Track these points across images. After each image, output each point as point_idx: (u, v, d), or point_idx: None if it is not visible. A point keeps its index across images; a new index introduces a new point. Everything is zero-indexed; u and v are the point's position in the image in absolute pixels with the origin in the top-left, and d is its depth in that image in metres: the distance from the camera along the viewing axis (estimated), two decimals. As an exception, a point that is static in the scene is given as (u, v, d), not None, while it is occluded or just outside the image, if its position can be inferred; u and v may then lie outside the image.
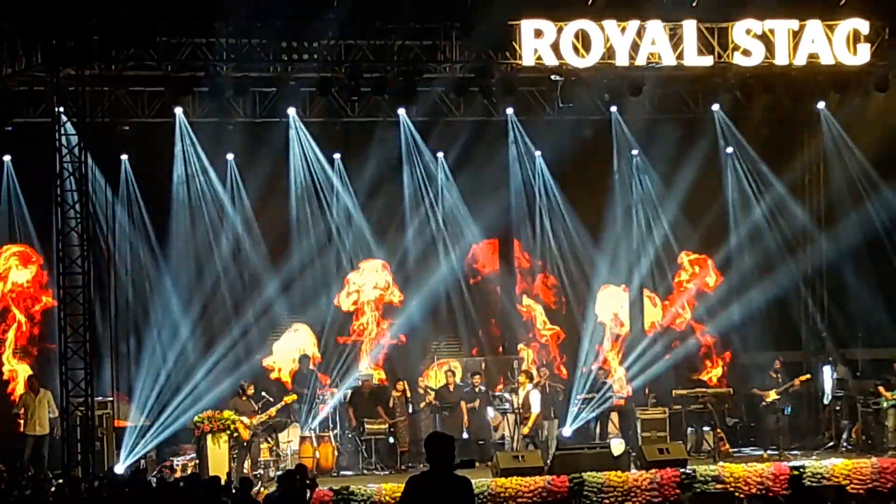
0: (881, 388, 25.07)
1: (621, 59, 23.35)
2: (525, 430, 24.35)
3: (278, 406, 23.81)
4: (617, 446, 23.15)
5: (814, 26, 23.78)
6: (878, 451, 24.36)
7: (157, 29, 21.99)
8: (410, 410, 24.79)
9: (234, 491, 18.46)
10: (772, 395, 25.19)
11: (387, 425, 24.42)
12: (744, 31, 23.66)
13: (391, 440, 24.43)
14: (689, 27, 23.52)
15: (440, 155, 26.85)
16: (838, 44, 23.79)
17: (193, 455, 23.60)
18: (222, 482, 18.68)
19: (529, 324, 27.39)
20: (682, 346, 27.06)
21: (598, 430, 25.25)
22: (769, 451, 24.65)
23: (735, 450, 25.25)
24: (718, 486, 22.42)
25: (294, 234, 26.70)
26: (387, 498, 21.28)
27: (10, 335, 24.98)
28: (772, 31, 23.74)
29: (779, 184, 27.51)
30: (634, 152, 27.34)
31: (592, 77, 24.06)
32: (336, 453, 24.02)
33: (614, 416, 25.57)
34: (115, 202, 25.31)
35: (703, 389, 25.73)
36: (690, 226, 27.56)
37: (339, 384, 25.47)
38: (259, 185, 25.99)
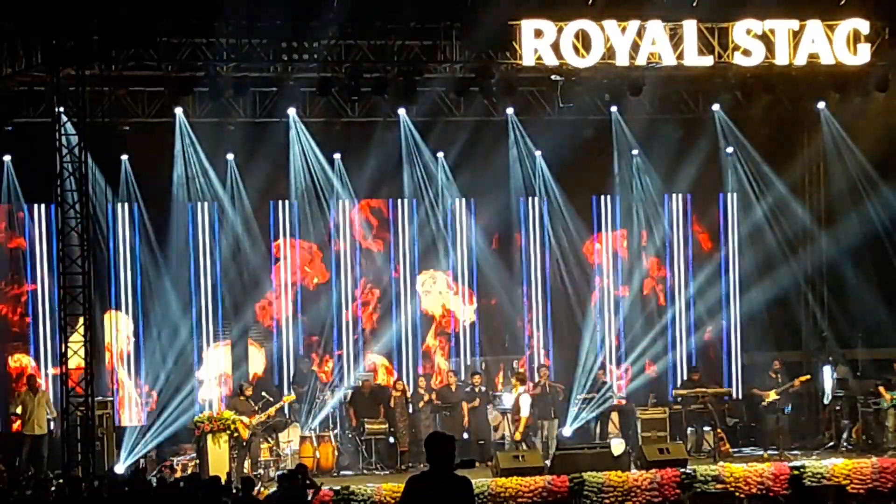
0: (881, 388, 25.06)
1: (621, 59, 23.34)
2: (517, 436, 24.33)
3: (277, 406, 23.82)
4: (617, 446, 23.15)
5: (814, 26, 23.77)
6: (879, 451, 24.35)
7: (157, 29, 21.98)
8: (410, 410, 24.79)
9: (234, 491, 18.47)
10: (772, 396, 25.19)
11: (387, 425, 24.42)
12: (744, 31, 23.65)
13: (391, 440, 24.43)
14: (690, 27, 23.51)
15: (440, 155, 26.84)
16: (838, 44, 23.78)
17: (193, 455, 23.60)
18: (222, 482, 18.66)
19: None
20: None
21: (598, 430, 25.27)
22: (769, 451, 24.64)
23: (735, 450, 25.24)
24: (719, 486, 22.43)
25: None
26: (387, 498, 21.28)
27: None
28: (772, 31, 23.73)
29: (780, 183, 27.50)
30: (634, 152, 27.34)
31: (592, 77, 24.05)
32: (336, 453, 24.01)
33: (614, 416, 25.58)
34: (115, 202, 25.35)
35: (703, 389, 25.73)
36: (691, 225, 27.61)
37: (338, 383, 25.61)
38: (259, 185, 26.01)
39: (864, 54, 23.90)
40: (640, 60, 23.42)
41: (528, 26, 23.08)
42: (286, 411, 24.41)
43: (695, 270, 28.05)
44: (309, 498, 18.32)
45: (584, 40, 23.15)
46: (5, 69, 22.52)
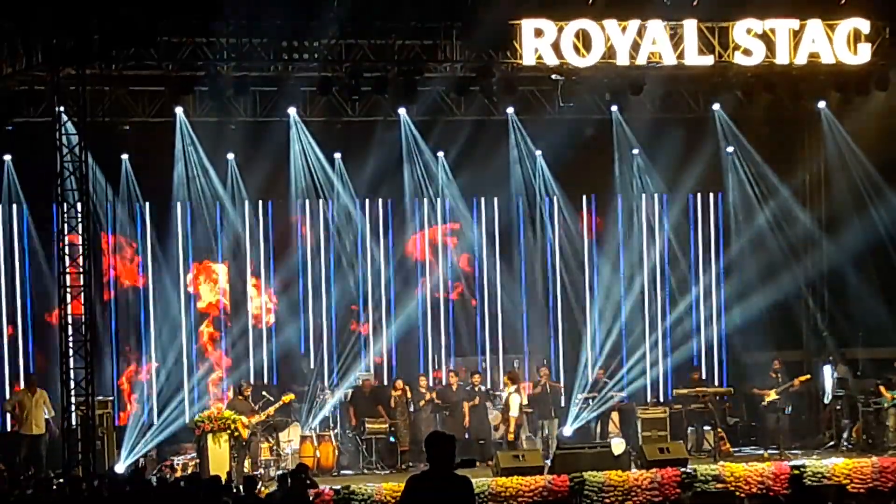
0: (882, 388, 25.08)
1: (622, 59, 23.32)
2: (510, 437, 24.34)
3: (277, 405, 23.81)
4: (617, 446, 23.14)
5: (814, 26, 23.76)
6: (879, 451, 24.34)
7: (157, 29, 21.96)
8: (411, 410, 24.79)
9: (235, 490, 18.47)
10: (772, 395, 25.19)
11: (387, 425, 24.42)
12: (744, 31, 23.65)
13: (392, 440, 24.43)
14: (690, 27, 23.50)
15: (440, 154, 26.84)
16: (839, 43, 23.77)
17: (194, 454, 23.59)
18: (223, 482, 18.66)
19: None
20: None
21: (598, 430, 25.28)
22: (770, 451, 24.63)
23: (736, 449, 25.25)
24: (719, 485, 22.41)
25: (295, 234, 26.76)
26: (387, 497, 21.26)
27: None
28: (772, 31, 23.73)
29: (780, 183, 27.50)
30: (635, 152, 27.34)
31: (593, 76, 24.04)
32: (336, 453, 24.01)
33: (615, 415, 25.60)
34: (115, 202, 25.35)
35: (704, 389, 25.72)
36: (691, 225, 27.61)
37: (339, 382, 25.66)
38: (259, 185, 26.01)
39: (864, 54, 23.90)
40: (641, 60, 23.41)
41: (528, 26, 23.07)
42: (290, 411, 24.44)
43: (696, 270, 28.05)
44: (310, 498, 18.32)
45: (584, 40, 23.15)
46: (5, 69, 22.52)
